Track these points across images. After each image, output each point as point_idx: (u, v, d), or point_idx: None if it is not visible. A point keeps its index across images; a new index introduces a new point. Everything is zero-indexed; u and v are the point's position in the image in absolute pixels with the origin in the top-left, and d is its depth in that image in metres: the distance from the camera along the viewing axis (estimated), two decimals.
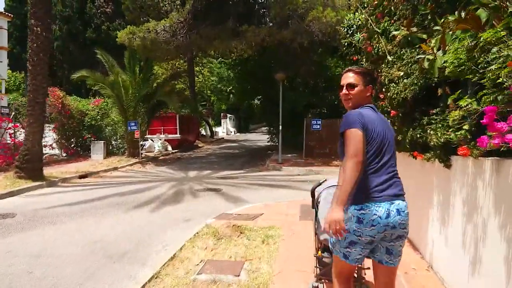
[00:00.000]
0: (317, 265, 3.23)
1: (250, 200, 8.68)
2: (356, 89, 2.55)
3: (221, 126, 41.28)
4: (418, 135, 4.07)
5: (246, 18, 15.63)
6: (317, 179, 4.62)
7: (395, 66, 4.58)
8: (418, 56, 3.78)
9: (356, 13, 12.10)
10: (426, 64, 3.70)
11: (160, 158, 18.77)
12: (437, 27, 4.05)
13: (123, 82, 16.18)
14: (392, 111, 4.60)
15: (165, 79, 20.15)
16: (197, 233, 5.61)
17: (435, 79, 3.85)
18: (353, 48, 15.20)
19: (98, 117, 17.77)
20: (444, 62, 3.42)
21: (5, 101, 19.69)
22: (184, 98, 18.25)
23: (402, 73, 4.35)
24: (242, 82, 22.18)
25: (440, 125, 3.56)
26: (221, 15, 15.75)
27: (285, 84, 18.18)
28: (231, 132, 42.55)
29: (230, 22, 15.10)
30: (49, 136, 16.14)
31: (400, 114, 4.52)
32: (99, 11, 37.03)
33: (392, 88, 4.50)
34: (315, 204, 3.17)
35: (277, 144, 17.75)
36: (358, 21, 13.98)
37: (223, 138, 35.62)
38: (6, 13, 26.36)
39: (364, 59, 6.66)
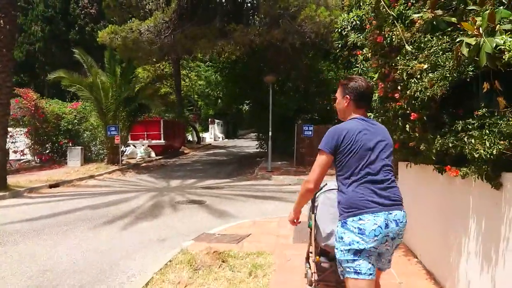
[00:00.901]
0: (316, 271, 3.18)
1: (236, 214, 7.72)
2: (336, 101, 2.64)
3: (209, 131, 40.21)
4: (450, 144, 3.16)
5: (235, 18, 14.75)
6: None
7: (415, 57, 3.68)
8: (459, 39, 2.88)
9: (351, 13, 11.22)
10: (465, 51, 2.81)
11: (142, 165, 17.69)
12: (473, 7, 3.18)
13: (102, 84, 15.11)
14: (412, 114, 3.68)
15: (147, 82, 19.10)
16: (170, 261, 4.62)
17: (471, 72, 2.97)
18: (347, 51, 14.29)
19: (76, 121, 16.65)
20: (496, 47, 2.53)
21: None
22: (168, 102, 17.24)
23: (426, 66, 3.45)
24: (230, 85, 21.21)
25: (488, 132, 2.65)
26: (208, 15, 14.84)
27: (275, 88, 17.31)
28: (219, 138, 41.50)
29: (217, 21, 14.18)
30: (21, 141, 15.00)
31: (424, 118, 3.61)
32: (83, 12, 35.87)
33: (413, 85, 3.59)
34: (313, 209, 3.05)
35: (266, 151, 16.82)
36: (353, 21, 13.07)
37: (211, 144, 34.54)
38: None
39: (367, 55, 5.75)
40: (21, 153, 14.93)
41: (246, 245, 5.28)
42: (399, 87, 4.05)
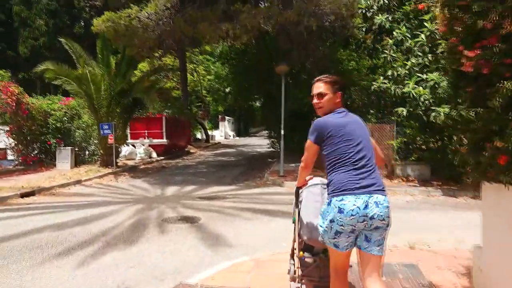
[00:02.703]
0: (300, 266, 3.12)
1: (235, 241, 5.82)
2: (325, 97, 2.85)
3: (219, 129, 38.35)
4: None
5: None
6: None
7: None
8: None
9: None
10: None
11: (141, 167, 15.91)
12: None
13: (92, 76, 13.32)
14: None
15: (145, 73, 17.25)
16: None
17: None
18: (372, 36, 12.01)
19: (65, 118, 14.92)
20: None
21: None
22: (169, 96, 15.43)
23: None
24: (239, 79, 19.24)
25: None
26: None
27: (288, 81, 15.35)
28: (229, 136, 39.61)
29: (221, 3, 12.26)
30: (2, 141, 13.34)
31: None
32: (88, 4, 34.29)
33: None
34: (297, 204, 3.16)
35: (278, 150, 14.87)
36: (379, 0, 10.79)
37: (220, 142, 32.67)
38: None
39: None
40: (0, 155, 13.26)
41: None
42: None
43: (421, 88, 9.83)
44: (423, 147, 11.57)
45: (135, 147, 18.15)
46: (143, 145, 18.28)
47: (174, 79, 27.80)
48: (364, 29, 12.78)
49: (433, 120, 9.46)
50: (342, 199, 2.49)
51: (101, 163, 14.56)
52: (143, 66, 23.59)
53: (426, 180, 11.21)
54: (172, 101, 15.18)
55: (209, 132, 33.69)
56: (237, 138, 40.72)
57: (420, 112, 10.07)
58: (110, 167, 14.21)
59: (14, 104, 12.89)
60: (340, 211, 2.48)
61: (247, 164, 16.83)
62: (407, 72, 10.44)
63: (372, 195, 2.49)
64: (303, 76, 16.64)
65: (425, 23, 9.92)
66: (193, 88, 30.81)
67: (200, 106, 33.80)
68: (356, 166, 2.55)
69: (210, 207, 8.33)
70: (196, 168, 15.68)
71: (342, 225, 2.49)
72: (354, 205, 2.45)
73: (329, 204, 2.56)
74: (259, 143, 28.93)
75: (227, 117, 39.55)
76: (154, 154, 18.42)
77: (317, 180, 3.17)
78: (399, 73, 10.60)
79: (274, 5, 12.05)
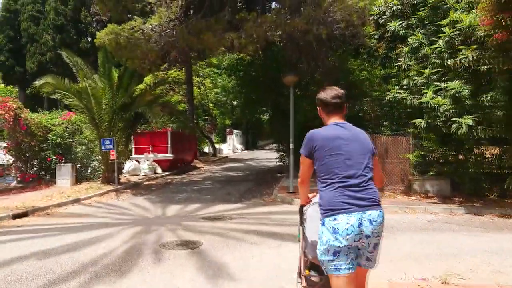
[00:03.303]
0: (306, 285, 3.05)
1: (238, 274, 5.11)
2: (319, 109, 2.94)
3: (227, 142, 37.73)
4: None
5: (248, 6, 12.32)
6: None
7: None
8: None
9: None
10: None
11: (144, 183, 15.29)
12: None
13: (92, 89, 12.80)
14: None
15: (147, 86, 16.73)
16: None
17: None
18: (385, 44, 11.35)
19: (66, 133, 14.40)
20: None
21: None
22: (173, 110, 14.87)
23: None
24: (245, 91, 18.65)
25: None
26: (218, 4, 12.43)
27: (297, 92, 14.73)
28: (237, 149, 38.95)
29: (226, 12, 11.75)
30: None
31: None
32: (94, 19, 34.25)
33: None
34: (302, 222, 3.13)
35: (287, 164, 14.17)
36: (392, 6, 10.20)
37: (228, 156, 32.01)
38: None
39: None
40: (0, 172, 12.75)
41: None
42: None
43: (440, 98, 9.13)
44: (442, 160, 10.81)
45: (139, 163, 17.57)
46: (148, 160, 17.69)
47: (181, 92, 27.35)
48: (376, 37, 12.16)
49: (455, 132, 8.77)
50: (335, 219, 2.44)
51: (103, 179, 13.98)
52: (149, 79, 23.16)
53: (446, 196, 10.45)
54: (176, 114, 14.62)
55: (217, 146, 33.08)
56: (245, 151, 40.05)
57: (439, 124, 9.35)
58: (111, 184, 13.62)
59: (12, 119, 12.39)
60: (335, 231, 2.44)
61: (254, 180, 16.14)
62: (424, 81, 9.75)
63: (365, 212, 2.44)
64: (312, 87, 16.01)
65: (442, 29, 9.25)
66: (200, 101, 30.31)
67: (206, 119, 33.28)
68: (346, 184, 2.48)
69: (213, 229, 7.64)
70: (202, 184, 15.01)
71: (339, 246, 2.44)
72: (347, 223, 2.40)
73: (323, 224, 2.52)
74: (268, 156, 28.21)
75: (234, 130, 38.95)
76: (159, 170, 17.82)
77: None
78: (415, 82, 9.93)
79: (281, 13, 11.49)
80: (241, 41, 11.03)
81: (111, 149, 13.31)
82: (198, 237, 7.05)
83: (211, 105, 32.90)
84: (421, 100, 9.46)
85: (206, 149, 32.09)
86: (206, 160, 26.43)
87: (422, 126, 9.60)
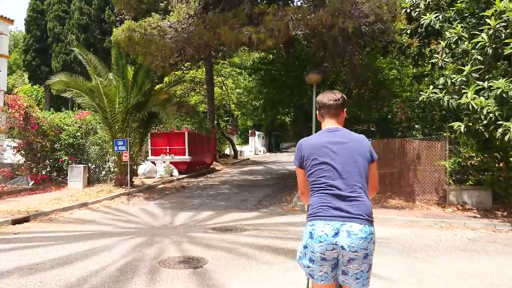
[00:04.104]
0: None
1: None
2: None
3: (249, 144, 36.93)
4: None
5: (269, 0, 11.49)
6: None
7: None
8: None
9: None
10: None
11: (159, 187, 14.62)
12: None
13: (105, 87, 12.20)
14: None
15: (162, 85, 16.09)
16: None
17: None
18: (418, 40, 10.31)
19: (79, 133, 13.88)
20: None
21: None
22: (190, 110, 14.17)
23: None
24: (266, 91, 17.78)
25: None
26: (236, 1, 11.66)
27: (321, 92, 13.78)
28: (259, 151, 38.08)
29: (245, 5, 10.93)
30: (8, 158, 12.39)
31: None
32: (118, 18, 34.09)
33: None
34: None
35: None
36: None
37: (249, 158, 31.19)
38: (7, 17, 23.37)
39: None
40: (8, 173, 12.29)
41: None
42: None
43: (482, 98, 8.02)
44: (484, 168, 9.67)
45: (155, 164, 16.95)
46: (164, 162, 17.05)
47: (202, 92, 26.72)
48: (408, 31, 11.10)
49: (499, 138, 7.68)
50: (313, 224, 2.42)
51: (116, 182, 13.39)
52: (169, 79, 22.61)
53: (487, 209, 9.34)
54: (193, 114, 13.98)
55: (239, 148, 32.32)
56: (268, 154, 39.13)
57: (481, 128, 8.25)
58: (124, 186, 13.01)
59: (22, 118, 11.92)
60: (311, 236, 2.40)
61: (274, 184, 15.25)
62: (463, 79, 8.64)
63: (345, 223, 2.34)
64: (337, 87, 15.01)
65: (487, 20, 8.16)
66: (221, 102, 29.63)
67: (228, 120, 32.58)
68: (331, 192, 2.42)
69: (222, 243, 6.82)
70: (218, 189, 14.22)
71: (312, 252, 2.39)
72: (322, 231, 2.35)
73: (305, 228, 2.50)
74: (290, 159, 27.17)
75: (257, 132, 38.13)
76: (175, 172, 17.15)
77: None
78: (453, 80, 8.84)
79: (304, 5, 10.59)
80: (259, 35, 10.19)
81: (124, 150, 12.70)
82: (204, 252, 6.23)
83: (233, 105, 32.19)
84: (460, 101, 8.37)
85: (227, 151, 31.40)
86: (226, 162, 25.69)
87: (461, 130, 8.51)
